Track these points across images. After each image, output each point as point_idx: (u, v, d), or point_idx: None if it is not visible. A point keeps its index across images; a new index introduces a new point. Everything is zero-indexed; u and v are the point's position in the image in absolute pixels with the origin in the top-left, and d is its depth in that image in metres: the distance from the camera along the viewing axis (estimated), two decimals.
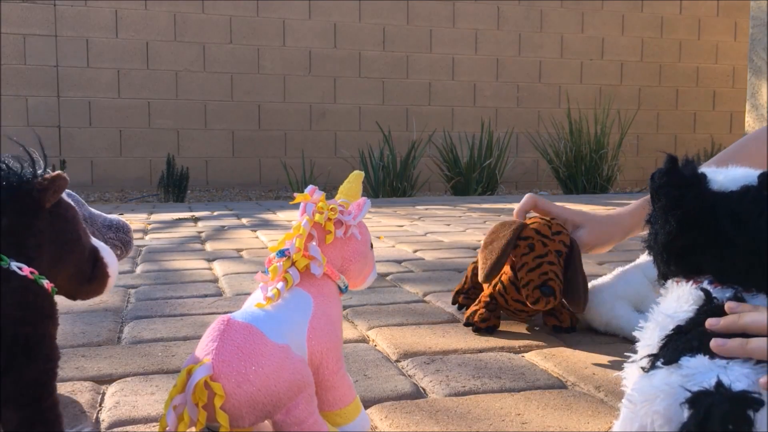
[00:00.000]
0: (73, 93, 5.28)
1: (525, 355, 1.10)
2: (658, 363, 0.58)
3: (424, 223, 3.11)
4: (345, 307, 1.40)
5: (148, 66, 5.42)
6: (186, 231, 2.83)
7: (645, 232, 0.72)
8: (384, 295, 1.53)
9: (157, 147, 5.43)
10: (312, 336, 0.68)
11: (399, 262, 2.01)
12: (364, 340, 1.19)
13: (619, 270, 1.26)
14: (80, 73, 5.28)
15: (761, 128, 1.18)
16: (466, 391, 0.93)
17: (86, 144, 5.32)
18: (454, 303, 1.37)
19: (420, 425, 0.82)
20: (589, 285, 1.22)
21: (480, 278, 1.18)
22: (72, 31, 5.25)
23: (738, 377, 0.53)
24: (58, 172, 0.68)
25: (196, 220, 3.29)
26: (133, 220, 3.20)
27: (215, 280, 1.73)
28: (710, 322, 0.59)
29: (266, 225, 3.06)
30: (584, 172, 5.40)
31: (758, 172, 0.64)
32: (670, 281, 0.68)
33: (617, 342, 1.16)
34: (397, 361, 1.07)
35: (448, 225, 3.00)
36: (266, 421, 0.64)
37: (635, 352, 0.64)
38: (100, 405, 0.89)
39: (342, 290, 0.75)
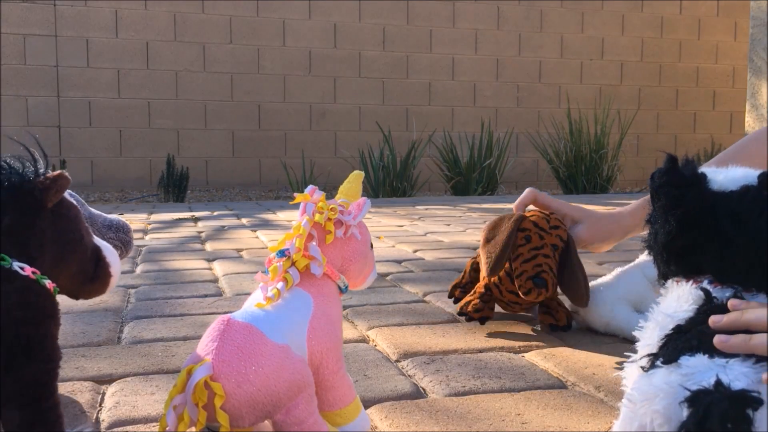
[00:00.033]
0: (73, 93, 5.28)
1: (525, 355, 1.10)
2: (658, 362, 0.58)
3: (424, 223, 3.11)
4: (345, 307, 1.40)
5: (148, 66, 5.42)
6: (186, 231, 2.83)
7: (645, 232, 0.73)
8: (384, 295, 1.53)
9: (157, 147, 5.44)
10: (312, 336, 0.68)
11: (399, 262, 2.01)
12: (364, 340, 1.19)
13: (619, 270, 1.26)
14: (80, 73, 5.28)
15: (761, 129, 1.18)
16: (466, 391, 0.93)
17: (86, 144, 5.32)
18: (450, 296, 1.36)
19: (420, 425, 0.82)
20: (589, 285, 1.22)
21: (485, 272, 1.17)
22: (72, 31, 5.25)
23: (737, 376, 0.53)
24: (60, 171, 0.68)
25: (196, 220, 3.29)
26: (133, 220, 3.20)
27: (215, 280, 1.73)
28: (713, 319, 0.59)
29: (266, 225, 3.06)
30: (584, 172, 5.40)
31: (758, 172, 0.65)
32: (670, 281, 0.68)
33: (617, 342, 1.16)
34: (397, 361, 1.07)
35: (448, 225, 3.00)
36: (266, 421, 0.64)
37: (635, 352, 0.64)
38: (100, 405, 0.89)
39: (342, 290, 0.75)
